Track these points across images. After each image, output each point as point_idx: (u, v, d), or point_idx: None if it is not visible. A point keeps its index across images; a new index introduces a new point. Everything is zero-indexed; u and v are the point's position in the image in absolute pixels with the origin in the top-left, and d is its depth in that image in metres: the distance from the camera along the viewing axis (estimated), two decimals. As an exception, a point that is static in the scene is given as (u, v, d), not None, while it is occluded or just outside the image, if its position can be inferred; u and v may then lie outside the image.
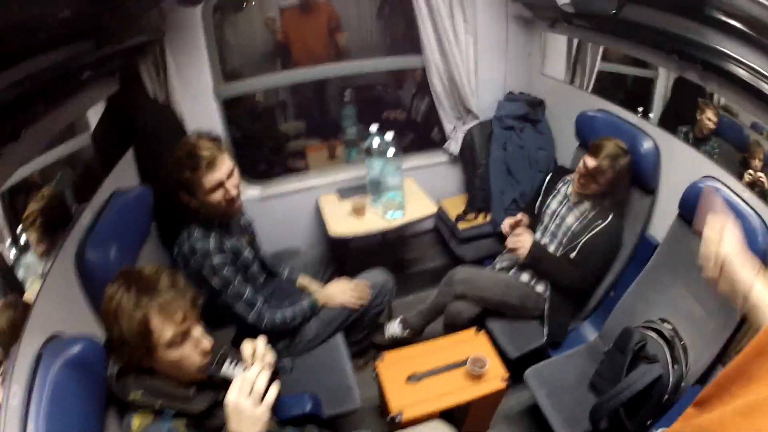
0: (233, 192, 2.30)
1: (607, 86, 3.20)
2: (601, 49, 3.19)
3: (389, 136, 3.17)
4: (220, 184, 2.25)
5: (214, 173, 2.22)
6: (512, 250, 2.84)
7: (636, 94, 3.00)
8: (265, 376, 1.44)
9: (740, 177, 2.18)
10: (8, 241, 1.77)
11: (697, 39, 2.12)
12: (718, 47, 2.03)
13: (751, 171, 2.13)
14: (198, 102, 3.31)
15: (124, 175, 2.82)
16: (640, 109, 2.86)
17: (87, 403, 1.55)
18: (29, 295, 1.76)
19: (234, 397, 1.40)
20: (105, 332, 1.55)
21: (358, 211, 3.27)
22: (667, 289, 2.34)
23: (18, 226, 1.84)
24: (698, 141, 2.46)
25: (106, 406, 1.63)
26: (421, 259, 4.16)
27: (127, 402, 1.50)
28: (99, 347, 1.66)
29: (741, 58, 1.94)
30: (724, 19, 1.95)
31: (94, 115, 2.65)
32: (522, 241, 2.78)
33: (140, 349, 1.48)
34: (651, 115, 2.81)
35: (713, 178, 2.21)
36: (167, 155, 2.47)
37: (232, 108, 3.67)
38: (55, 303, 1.85)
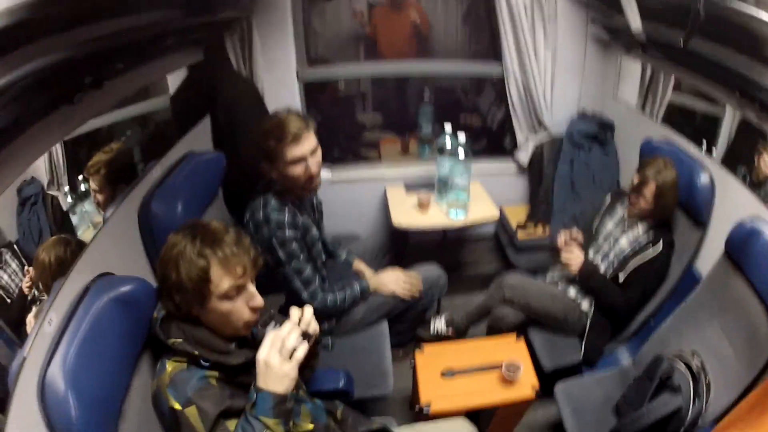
0: (314, 169, 2.39)
1: (676, 118, 3.19)
2: (672, 80, 3.19)
3: (462, 137, 3.25)
4: (302, 159, 2.34)
5: (298, 147, 2.31)
6: (564, 264, 2.89)
7: (702, 129, 2.99)
8: (296, 334, 1.47)
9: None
10: (66, 187, 1.88)
11: (756, 79, 2.13)
12: None
13: None
14: (280, 81, 3.46)
15: (199, 140, 2.97)
16: (704, 144, 2.87)
17: (124, 341, 1.62)
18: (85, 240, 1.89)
19: (265, 352, 1.43)
20: (159, 278, 1.59)
21: (423, 206, 3.35)
22: (702, 325, 2.34)
23: (78, 174, 1.95)
24: (754, 185, 2.46)
25: (143, 348, 1.70)
26: (476, 262, 4.23)
27: (167, 345, 1.54)
28: (150, 289, 1.71)
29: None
30: None
31: (174, 80, 2.81)
32: (574, 257, 2.83)
33: (195, 296, 1.53)
34: (714, 151, 2.81)
35: (761, 218, 2.19)
36: (245, 126, 2.64)
37: (314, 93, 3.81)
38: (112, 246, 1.96)
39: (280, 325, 1.54)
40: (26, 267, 1.67)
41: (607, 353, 2.83)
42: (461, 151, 3.20)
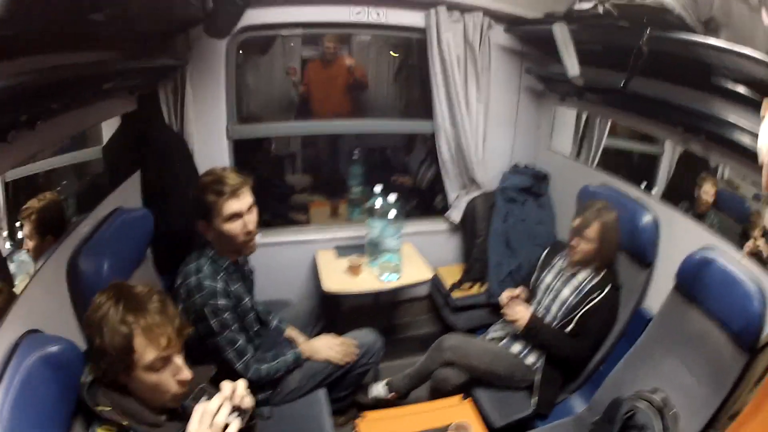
0: (251, 226, 2.43)
1: (613, 162, 3.32)
2: (608, 125, 3.32)
3: (393, 197, 3.29)
4: (240, 215, 2.38)
5: (236, 201, 2.37)
6: (510, 321, 2.91)
7: (640, 169, 3.13)
8: (227, 410, 1.45)
9: (741, 247, 2.26)
10: (5, 233, 1.83)
11: (701, 109, 2.25)
12: (721, 116, 2.15)
13: (750, 241, 2.22)
14: (210, 137, 3.46)
15: (129, 195, 2.92)
16: (644, 183, 2.98)
17: (55, 404, 1.56)
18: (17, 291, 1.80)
19: (194, 429, 1.41)
20: (86, 340, 1.60)
21: (354, 270, 3.34)
22: (659, 361, 2.39)
23: (16, 221, 1.90)
24: (698, 216, 2.56)
25: (74, 413, 1.63)
26: (412, 324, 4.23)
27: (95, 412, 1.51)
28: (78, 352, 1.68)
29: (744, 126, 2.04)
30: (728, 86, 2.08)
31: (107, 130, 2.76)
32: (520, 312, 2.86)
33: (118, 365, 1.51)
34: (654, 190, 2.91)
35: (710, 248, 2.29)
36: (174, 183, 2.60)
37: (245, 151, 3.80)
38: (42, 301, 1.90)
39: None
40: None
41: (559, 402, 2.85)
42: (392, 213, 3.24)
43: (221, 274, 2.44)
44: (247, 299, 2.60)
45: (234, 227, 2.40)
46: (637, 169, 3.22)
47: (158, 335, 1.53)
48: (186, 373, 1.60)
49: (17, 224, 1.91)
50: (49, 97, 1.80)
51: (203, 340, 2.42)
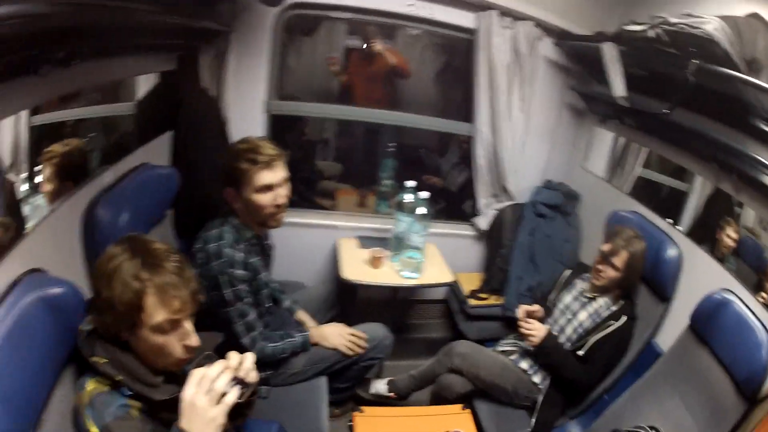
0: (281, 200, 2.40)
1: (643, 192, 3.29)
2: (643, 156, 3.31)
3: (425, 194, 3.27)
4: (272, 187, 2.36)
5: (270, 173, 2.35)
6: (523, 336, 2.87)
7: (668, 204, 3.09)
8: (227, 378, 1.41)
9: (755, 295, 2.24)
10: (24, 174, 1.81)
11: (737, 147, 2.23)
12: (756, 156, 2.12)
13: (764, 293, 2.21)
14: (247, 109, 3.49)
15: (157, 152, 2.92)
16: (671, 219, 2.94)
17: (49, 346, 1.54)
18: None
19: (191, 392, 1.37)
20: (92, 289, 1.54)
21: (375, 262, 3.33)
22: (662, 399, 2.36)
23: (36, 165, 1.89)
24: (718, 260, 2.54)
25: (67, 361, 1.62)
26: (424, 326, 4.23)
27: (89, 363, 1.48)
28: (81, 298, 1.65)
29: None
30: (766, 128, 2.07)
31: (142, 87, 2.78)
32: (538, 329, 2.82)
33: (124, 321, 1.47)
34: (680, 226, 2.89)
35: (730, 291, 2.26)
36: (204, 148, 2.59)
37: (279, 129, 3.83)
38: (50, 243, 1.89)
39: None
40: None
41: (557, 426, 2.82)
42: (421, 210, 3.22)
43: (242, 245, 2.43)
44: (263, 274, 2.58)
45: (264, 198, 2.37)
46: (665, 202, 3.18)
47: (172, 297, 1.49)
48: (194, 339, 1.57)
49: (37, 168, 1.90)
50: (84, 36, 1.76)
51: (214, 308, 2.40)
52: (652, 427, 2.22)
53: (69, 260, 2.02)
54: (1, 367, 1.33)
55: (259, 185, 2.34)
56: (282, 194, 2.41)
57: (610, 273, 2.75)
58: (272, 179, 2.36)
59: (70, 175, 2.11)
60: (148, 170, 2.56)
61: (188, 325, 1.56)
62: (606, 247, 2.75)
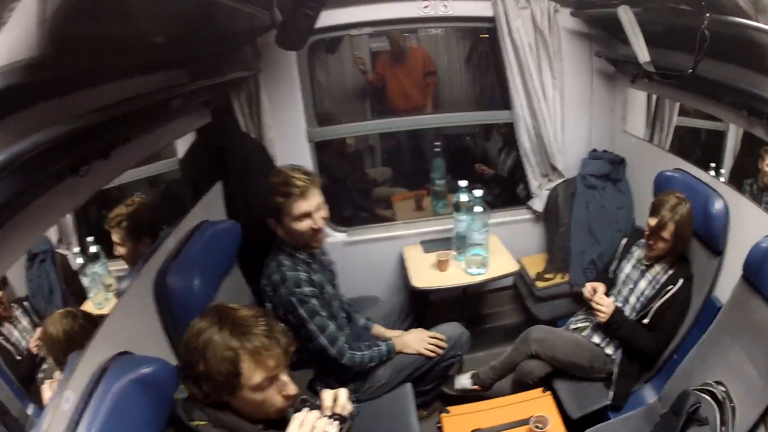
0: (319, 223, 2.60)
1: (684, 141, 3.36)
2: (678, 106, 3.35)
3: (479, 192, 3.34)
4: (308, 215, 2.56)
5: (305, 202, 2.55)
6: (593, 311, 2.97)
7: (709, 148, 3.16)
8: (327, 418, 1.54)
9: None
10: (76, 248, 1.95)
11: (762, 94, 2.25)
12: None
13: None
14: (290, 142, 3.62)
15: (212, 206, 3.09)
16: (713, 165, 3.00)
17: (147, 422, 1.64)
18: (91, 305, 1.95)
19: None
20: (183, 364, 1.64)
21: (442, 265, 3.45)
22: (725, 351, 2.40)
23: (87, 236, 2.02)
24: (761, 191, 2.62)
25: (166, 428, 1.71)
26: (497, 315, 4.33)
27: (190, 427, 1.56)
28: (172, 370, 1.75)
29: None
30: None
31: (182, 141, 2.93)
32: (606, 305, 2.90)
33: (224, 387, 1.56)
34: (722, 171, 2.94)
35: None
36: (257, 189, 2.76)
37: (322, 149, 3.97)
38: (128, 321, 2.01)
39: (314, 408, 1.62)
40: (36, 326, 1.73)
41: (632, 393, 2.91)
42: (478, 206, 3.32)
43: (301, 266, 2.62)
44: (329, 287, 2.76)
45: (302, 225, 2.58)
46: (705, 148, 3.25)
47: (266, 357, 1.58)
48: (292, 388, 1.66)
49: (89, 239, 2.03)
50: (121, 127, 1.90)
51: (296, 332, 2.46)
52: (718, 382, 2.31)
53: (150, 334, 2.19)
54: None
55: (296, 215, 2.55)
56: (318, 218, 2.62)
57: (660, 245, 2.81)
58: (307, 207, 2.57)
59: (143, 233, 2.29)
60: (209, 228, 2.73)
61: (285, 377, 1.65)
62: (653, 222, 2.79)
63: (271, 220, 2.64)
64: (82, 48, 1.38)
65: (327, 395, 1.66)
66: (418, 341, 2.93)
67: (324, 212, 2.67)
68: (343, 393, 1.68)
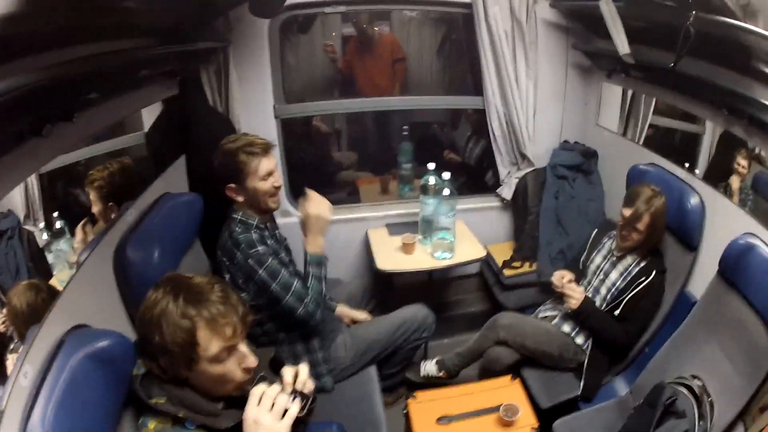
0: (279, 182, 2.64)
1: (657, 139, 3.38)
2: (653, 102, 3.36)
3: (447, 175, 3.34)
4: (270, 173, 2.58)
5: (267, 160, 2.56)
6: (562, 298, 3.00)
7: (683, 148, 3.17)
8: (287, 394, 1.48)
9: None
10: (42, 223, 1.89)
11: (744, 92, 2.27)
12: (763, 100, 2.18)
13: None
14: (258, 118, 3.56)
15: (175, 180, 3.04)
16: (687, 164, 3.01)
17: (104, 398, 1.60)
18: (56, 282, 1.89)
19: (254, 411, 1.43)
20: (140, 337, 1.58)
21: (408, 248, 3.43)
22: (700, 346, 2.43)
23: (54, 211, 1.98)
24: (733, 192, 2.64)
25: (124, 405, 1.68)
26: (462, 302, 4.33)
27: (148, 404, 1.52)
28: (129, 345, 1.69)
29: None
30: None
31: (148, 115, 2.89)
32: (576, 294, 2.92)
33: (181, 360, 1.50)
34: (697, 170, 2.95)
35: (753, 235, 2.31)
36: None
37: (289, 133, 3.92)
38: (87, 294, 1.97)
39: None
40: (4, 304, 1.69)
41: (603, 385, 2.93)
42: (446, 190, 3.29)
43: (254, 230, 2.60)
44: (283, 254, 2.72)
45: (266, 184, 2.58)
46: (679, 147, 3.26)
47: (223, 325, 1.52)
48: (252, 360, 1.60)
49: (54, 214, 1.99)
50: (86, 88, 1.85)
51: (258, 305, 2.55)
52: (694, 376, 2.32)
53: (108, 308, 2.13)
54: (62, 428, 1.43)
55: (263, 173, 2.56)
56: (278, 177, 2.65)
57: (634, 236, 2.83)
58: (270, 166, 2.58)
59: (123, 193, 2.31)
60: (170, 200, 2.70)
61: (244, 348, 1.60)
62: (627, 213, 2.81)
63: (230, 186, 2.58)
64: (55, 6, 1.34)
65: (287, 371, 1.60)
66: (319, 212, 2.70)
67: (279, 176, 2.69)
68: (303, 369, 1.62)
